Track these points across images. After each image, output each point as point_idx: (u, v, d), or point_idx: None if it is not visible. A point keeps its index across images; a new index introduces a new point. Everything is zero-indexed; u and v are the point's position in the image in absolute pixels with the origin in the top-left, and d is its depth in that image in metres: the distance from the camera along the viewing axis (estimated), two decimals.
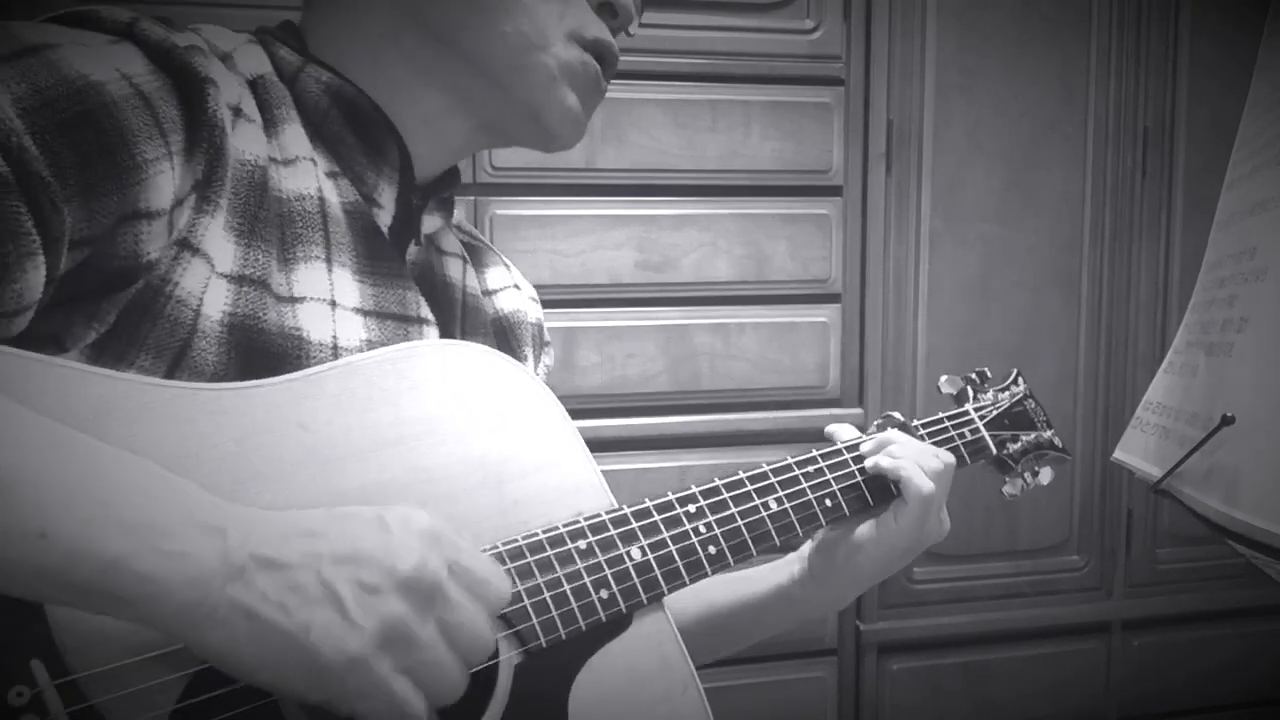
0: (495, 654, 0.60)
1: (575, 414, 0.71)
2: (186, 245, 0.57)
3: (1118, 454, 1.02)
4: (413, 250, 0.74)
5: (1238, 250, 0.89)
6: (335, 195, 0.67)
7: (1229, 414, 0.79)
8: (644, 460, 1.69)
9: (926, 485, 0.78)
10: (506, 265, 0.88)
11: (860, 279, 1.82)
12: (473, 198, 1.62)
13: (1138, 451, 0.98)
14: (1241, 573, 1.89)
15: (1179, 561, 1.98)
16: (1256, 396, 0.78)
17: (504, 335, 0.83)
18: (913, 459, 0.79)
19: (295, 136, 0.66)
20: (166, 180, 0.56)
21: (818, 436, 0.86)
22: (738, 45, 1.71)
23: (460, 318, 0.78)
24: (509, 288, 0.85)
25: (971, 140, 1.84)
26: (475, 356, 0.68)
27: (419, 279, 0.74)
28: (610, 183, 1.68)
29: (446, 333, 0.75)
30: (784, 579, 0.86)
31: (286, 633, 0.48)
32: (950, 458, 0.82)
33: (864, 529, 0.80)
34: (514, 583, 0.62)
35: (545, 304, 0.90)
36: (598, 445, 0.71)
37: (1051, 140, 1.87)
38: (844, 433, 0.85)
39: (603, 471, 0.70)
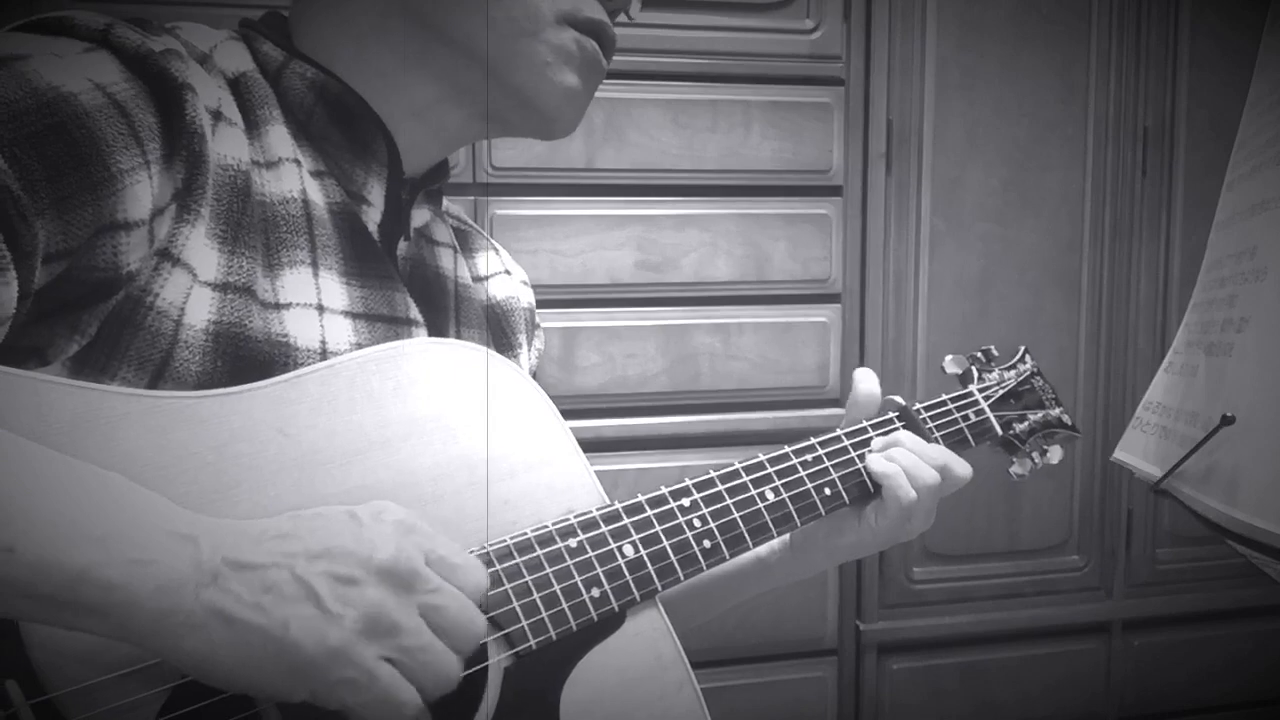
0: (484, 657, 0.60)
1: (575, 414, 0.70)
2: (167, 255, 0.57)
3: (1118, 454, 1.02)
4: (403, 245, 0.73)
5: (1238, 250, 0.88)
6: (320, 196, 0.66)
7: (1229, 414, 0.79)
8: (644, 460, 1.68)
9: (908, 495, 0.78)
10: (495, 249, 0.86)
11: (860, 279, 1.82)
12: (473, 198, 1.62)
13: (1138, 451, 0.98)
14: (1241, 573, 1.89)
15: (1179, 561, 1.98)
16: (1256, 396, 0.78)
17: (497, 323, 0.82)
18: (902, 466, 0.79)
19: (279, 137, 0.65)
20: (144, 190, 0.55)
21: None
22: (738, 45, 1.71)
23: (454, 309, 0.77)
24: (499, 274, 0.85)
25: (971, 140, 1.84)
26: (462, 354, 0.66)
27: (411, 274, 0.73)
28: (610, 183, 1.68)
29: (440, 327, 0.74)
30: (763, 550, 0.86)
31: (265, 631, 0.48)
32: (964, 469, 0.82)
33: (847, 519, 0.81)
34: (502, 582, 0.61)
35: (545, 304, 0.90)
36: (598, 445, 0.71)
37: (1051, 140, 1.87)
38: (863, 402, 0.84)
39: (603, 472, 0.69)
